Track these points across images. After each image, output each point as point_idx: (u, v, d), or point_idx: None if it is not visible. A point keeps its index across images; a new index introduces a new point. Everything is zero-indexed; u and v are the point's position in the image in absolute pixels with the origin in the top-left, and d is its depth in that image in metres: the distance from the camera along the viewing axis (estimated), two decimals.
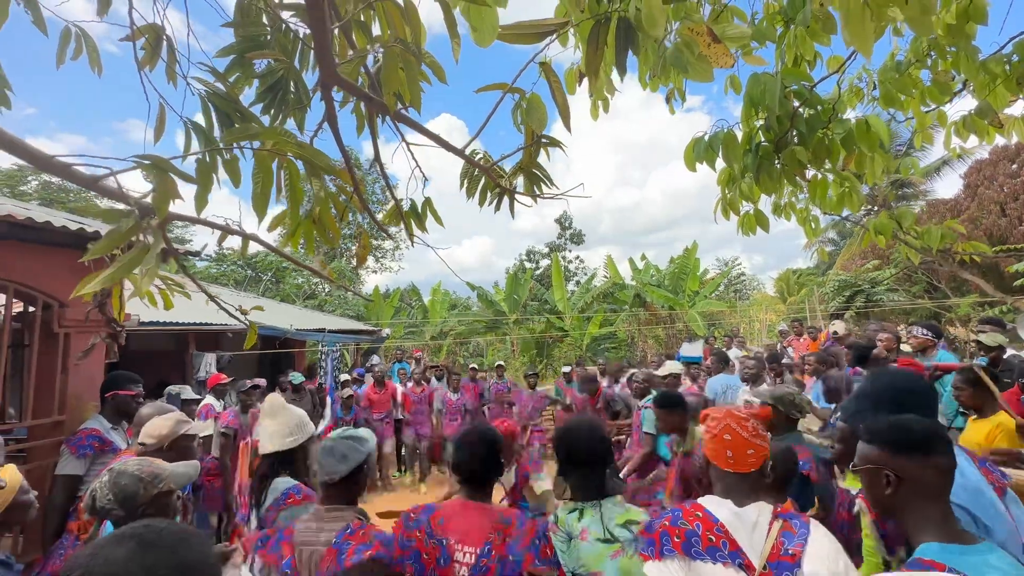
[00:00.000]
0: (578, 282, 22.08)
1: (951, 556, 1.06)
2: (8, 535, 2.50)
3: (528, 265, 24.91)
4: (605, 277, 18.21)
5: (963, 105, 2.45)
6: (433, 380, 8.25)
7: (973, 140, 2.50)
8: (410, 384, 7.82)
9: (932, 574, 1.03)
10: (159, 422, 2.38)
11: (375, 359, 9.66)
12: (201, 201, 1.24)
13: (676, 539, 1.31)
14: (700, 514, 1.36)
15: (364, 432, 1.92)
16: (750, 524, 1.32)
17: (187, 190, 1.26)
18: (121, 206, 1.36)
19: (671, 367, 5.04)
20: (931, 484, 1.15)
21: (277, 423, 2.27)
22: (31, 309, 3.55)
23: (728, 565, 1.26)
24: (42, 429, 3.42)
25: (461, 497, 1.76)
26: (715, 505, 1.39)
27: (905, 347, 5.34)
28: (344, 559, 1.57)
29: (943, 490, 1.15)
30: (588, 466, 1.74)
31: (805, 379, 5.49)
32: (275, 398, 2.39)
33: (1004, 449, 2.49)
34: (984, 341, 4.02)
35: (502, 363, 8.46)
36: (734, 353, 7.44)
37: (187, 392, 4.64)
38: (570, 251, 26.82)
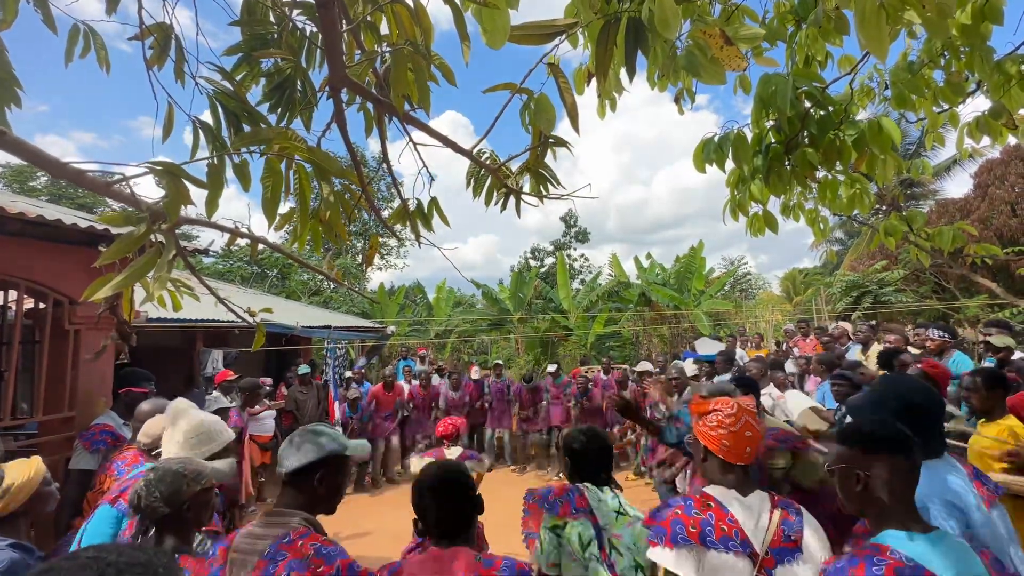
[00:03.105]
0: (583, 280, 22.01)
1: (899, 541, 1.16)
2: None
3: (533, 263, 24.85)
4: (610, 276, 18.14)
5: (976, 106, 2.41)
6: (435, 377, 8.34)
7: (985, 141, 2.47)
8: (415, 383, 7.92)
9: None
10: (157, 421, 2.27)
11: (362, 361, 9.05)
12: (212, 206, 1.25)
13: (692, 528, 1.37)
14: (712, 504, 1.42)
15: (332, 433, 1.60)
16: (755, 513, 1.40)
17: (197, 193, 1.27)
18: (132, 209, 1.37)
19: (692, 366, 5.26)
20: (897, 481, 1.23)
21: (181, 431, 1.91)
22: (42, 306, 3.58)
23: (739, 555, 1.33)
24: (53, 424, 3.46)
25: (433, 546, 1.46)
26: (724, 495, 1.44)
27: (912, 348, 5.29)
28: (273, 573, 1.31)
29: (907, 487, 1.24)
30: (598, 468, 1.93)
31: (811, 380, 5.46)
32: (179, 403, 1.99)
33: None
34: (993, 343, 3.99)
35: (500, 362, 8.57)
36: (738, 353, 7.42)
37: (220, 401, 4.49)
38: (575, 249, 26.75)
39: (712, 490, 1.48)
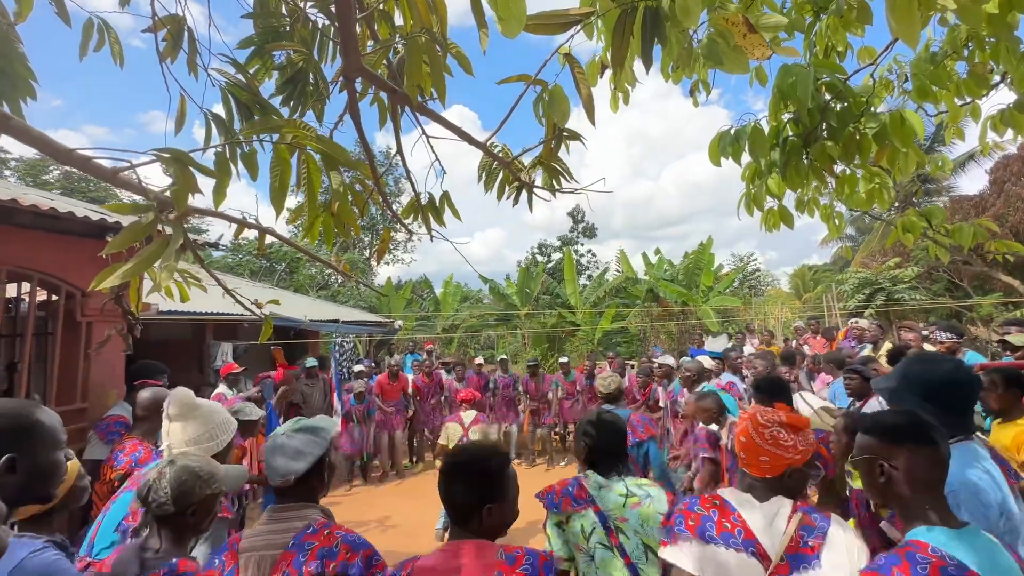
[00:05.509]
0: (590, 276, 21.95)
1: (937, 538, 1.12)
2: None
3: (540, 258, 24.80)
4: (618, 271, 18.08)
5: (996, 100, 2.35)
6: (442, 372, 8.38)
7: (1006, 135, 2.41)
8: (420, 374, 7.96)
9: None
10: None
11: (364, 362, 8.57)
12: (220, 195, 1.24)
13: (690, 522, 1.39)
14: (717, 503, 1.42)
15: (322, 421, 1.65)
16: (769, 516, 1.37)
17: (205, 182, 1.25)
18: (140, 198, 1.36)
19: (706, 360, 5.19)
20: (923, 473, 1.19)
21: (193, 426, 1.81)
22: (54, 298, 3.62)
23: (740, 551, 1.31)
24: (65, 416, 3.46)
25: (453, 538, 1.39)
26: (736, 498, 1.43)
27: (927, 347, 5.22)
28: (305, 562, 1.33)
29: (935, 479, 1.20)
30: (613, 453, 1.92)
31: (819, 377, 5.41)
32: (182, 395, 1.89)
33: None
34: (1012, 341, 3.92)
35: (505, 357, 8.71)
36: (747, 349, 7.36)
37: (249, 411, 4.03)
38: (582, 245, 26.65)
39: (725, 492, 1.47)
